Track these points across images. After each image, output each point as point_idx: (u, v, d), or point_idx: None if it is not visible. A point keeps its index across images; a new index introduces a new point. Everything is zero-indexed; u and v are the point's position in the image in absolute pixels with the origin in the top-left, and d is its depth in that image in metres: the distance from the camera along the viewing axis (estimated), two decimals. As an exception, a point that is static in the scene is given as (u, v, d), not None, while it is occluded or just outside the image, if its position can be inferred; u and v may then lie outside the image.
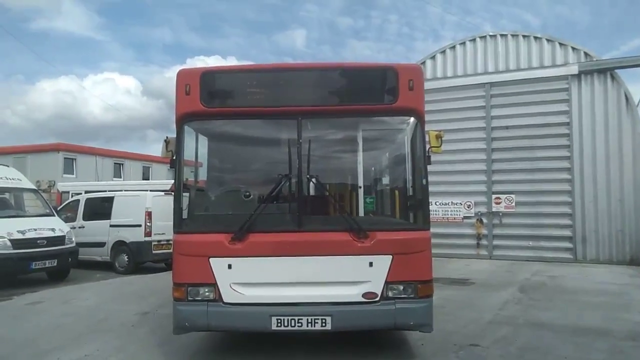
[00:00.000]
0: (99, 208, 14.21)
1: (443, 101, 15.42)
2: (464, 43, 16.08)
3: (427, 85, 8.15)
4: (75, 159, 33.07)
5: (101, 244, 13.71)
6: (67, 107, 74.03)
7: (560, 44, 14.71)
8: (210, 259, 4.94)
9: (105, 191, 16.21)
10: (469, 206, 15.44)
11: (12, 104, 72.33)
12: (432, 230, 5.25)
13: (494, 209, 15.12)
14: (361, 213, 5.68)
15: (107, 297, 9.21)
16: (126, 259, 13.48)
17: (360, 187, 5.68)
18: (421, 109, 5.27)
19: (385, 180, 6.52)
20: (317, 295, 4.92)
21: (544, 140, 14.52)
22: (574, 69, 14.32)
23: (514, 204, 14.86)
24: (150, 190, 14.94)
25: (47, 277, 11.89)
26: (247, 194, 5.49)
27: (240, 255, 4.94)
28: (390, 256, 4.94)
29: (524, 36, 15.25)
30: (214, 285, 4.94)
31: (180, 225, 5.17)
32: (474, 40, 15.95)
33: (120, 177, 34.40)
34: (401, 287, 4.97)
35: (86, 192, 17.28)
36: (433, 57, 16.44)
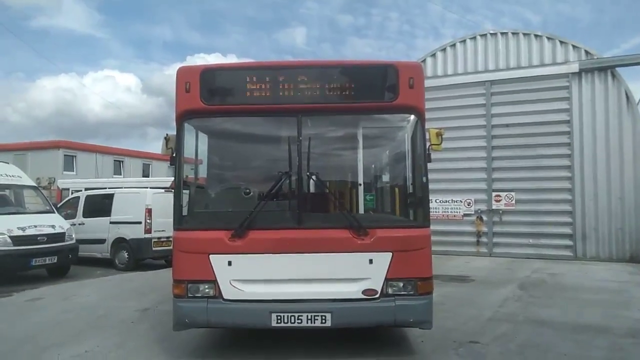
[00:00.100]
0: (99, 205, 14.20)
1: (443, 99, 15.39)
2: (464, 41, 16.06)
3: (428, 83, 8.15)
4: (75, 156, 33.05)
5: (101, 241, 13.71)
6: (68, 105, 74.06)
7: (561, 42, 14.70)
8: (210, 256, 4.95)
9: (105, 188, 16.22)
10: (469, 204, 15.45)
11: (12, 101, 72.39)
12: (432, 227, 5.26)
13: (494, 207, 15.12)
14: (361, 210, 5.69)
15: (107, 294, 9.22)
16: (126, 256, 13.48)
17: (360, 185, 5.67)
18: (421, 107, 5.27)
19: (386, 177, 6.53)
20: (317, 292, 4.93)
21: (544, 138, 14.52)
22: (574, 67, 14.30)
23: (514, 201, 14.86)
24: (150, 188, 14.94)
25: (47, 274, 11.89)
26: (247, 191, 5.51)
27: (240, 252, 4.95)
28: (390, 253, 4.95)
29: (524, 34, 15.24)
30: (214, 282, 4.95)
31: (180, 222, 5.18)
32: (474, 38, 15.93)
33: (121, 175, 34.39)
34: (401, 284, 4.98)
35: (86, 189, 17.29)
36: (433, 55, 16.42)
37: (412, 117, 5.32)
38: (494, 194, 15.15)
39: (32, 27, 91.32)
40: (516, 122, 14.86)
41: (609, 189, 13.93)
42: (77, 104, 74.46)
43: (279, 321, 4.88)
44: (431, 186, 5.47)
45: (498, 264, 13.48)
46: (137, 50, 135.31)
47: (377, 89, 5.26)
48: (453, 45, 16.21)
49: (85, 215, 14.27)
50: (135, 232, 13.31)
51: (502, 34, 15.55)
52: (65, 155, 32.42)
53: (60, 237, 11.48)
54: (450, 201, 15.56)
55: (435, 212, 15.01)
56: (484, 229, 15.28)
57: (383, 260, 4.95)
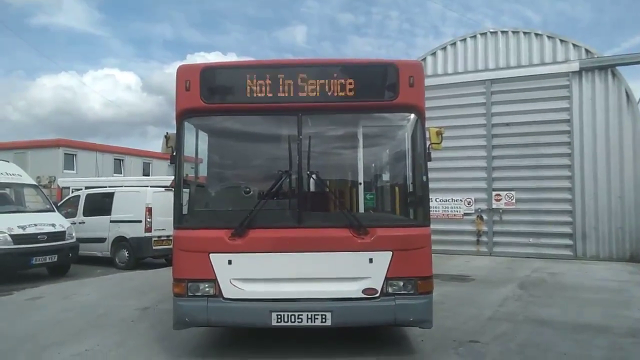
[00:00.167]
0: (100, 204, 14.21)
1: (443, 98, 15.38)
2: (464, 39, 16.05)
3: (428, 81, 8.16)
4: (75, 155, 33.07)
5: (101, 240, 13.72)
6: (68, 103, 74.04)
7: (561, 41, 14.68)
8: (211, 255, 4.95)
9: (105, 187, 16.21)
10: (469, 203, 15.44)
11: (12, 99, 72.33)
12: (432, 226, 5.26)
13: (494, 206, 15.12)
14: (361, 209, 5.68)
15: (108, 293, 9.22)
16: (126, 255, 13.49)
17: (360, 184, 5.66)
18: (422, 106, 5.27)
19: (386, 176, 6.51)
20: (317, 291, 4.93)
21: (544, 137, 14.51)
22: (574, 66, 14.30)
23: (514, 200, 14.86)
24: (151, 186, 14.94)
25: (48, 273, 11.90)
26: (247, 190, 5.50)
27: (240, 251, 4.94)
28: (390, 252, 4.95)
29: (524, 33, 15.23)
30: (214, 280, 4.95)
31: (180, 221, 5.18)
32: (474, 36, 15.92)
33: (121, 173, 34.40)
34: (401, 283, 4.98)
35: (86, 187, 17.29)
36: (434, 54, 16.41)
37: (412, 115, 5.32)
38: (494, 193, 15.15)
39: (32, 25, 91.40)
40: (516, 121, 14.85)
41: (609, 188, 13.93)
42: (77, 102, 74.51)
43: (279, 320, 4.88)
44: (431, 185, 5.47)
45: (498, 263, 13.48)
46: (137, 48, 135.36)
47: (377, 88, 5.26)
48: (453, 44, 16.19)
49: (85, 214, 14.28)
50: (135, 231, 13.31)
51: (502, 32, 15.53)
52: (65, 153, 32.45)
53: (60, 235, 11.49)
54: (450, 200, 15.55)
55: (436, 211, 15.01)
56: (484, 228, 15.28)
57: (383, 259, 4.94)
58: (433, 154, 5.45)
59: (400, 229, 5.17)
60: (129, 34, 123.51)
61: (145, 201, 13.37)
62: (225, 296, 4.95)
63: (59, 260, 11.47)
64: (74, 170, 32.00)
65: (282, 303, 4.91)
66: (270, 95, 5.18)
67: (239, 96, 5.26)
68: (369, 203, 5.84)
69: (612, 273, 11.54)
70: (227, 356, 5.46)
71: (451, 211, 15.57)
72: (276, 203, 5.28)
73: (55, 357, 5.44)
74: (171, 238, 5.38)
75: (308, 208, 5.17)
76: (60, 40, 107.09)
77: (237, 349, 5.68)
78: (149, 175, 33.06)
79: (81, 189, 16.54)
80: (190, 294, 4.99)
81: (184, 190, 5.37)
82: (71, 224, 12.48)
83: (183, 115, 5.27)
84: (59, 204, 14.75)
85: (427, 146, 5.33)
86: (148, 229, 13.26)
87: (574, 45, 14.54)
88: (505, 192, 14.99)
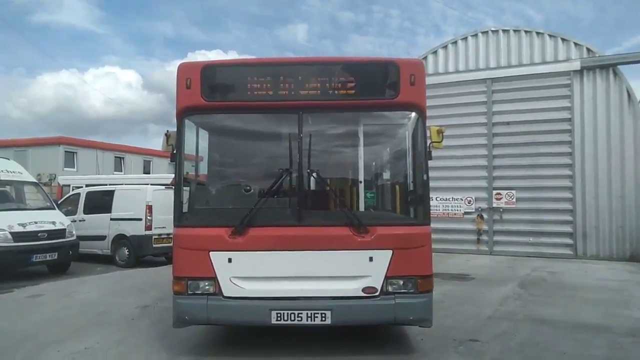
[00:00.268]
0: (100, 201, 14.21)
1: (444, 96, 15.35)
2: (465, 38, 16.02)
3: (429, 80, 8.14)
4: (76, 153, 33.08)
5: (102, 238, 13.72)
6: (68, 101, 74.02)
7: (563, 40, 14.66)
8: (211, 253, 4.95)
9: (106, 185, 16.21)
10: (469, 202, 15.43)
11: (13, 97, 72.36)
12: (432, 225, 5.25)
13: (494, 205, 15.11)
14: (361, 208, 5.67)
15: (108, 291, 9.22)
16: (127, 253, 13.49)
17: (360, 182, 5.66)
18: (422, 104, 5.26)
19: (386, 175, 6.52)
20: (317, 290, 4.93)
21: (545, 136, 14.49)
22: (576, 65, 14.27)
23: (514, 199, 14.85)
24: (151, 184, 14.94)
25: (48, 270, 11.91)
26: (248, 188, 5.50)
27: (240, 249, 4.94)
28: (391, 251, 4.94)
29: (526, 31, 15.20)
30: (214, 279, 4.95)
31: (180, 219, 5.18)
32: (475, 35, 15.89)
33: (121, 171, 34.40)
34: (401, 282, 4.98)
35: (87, 185, 17.28)
36: (435, 52, 16.38)
37: (413, 114, 5.31)
38: (494, 192, 15.14)
39: (33, 23, 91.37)
40: (517, 119, 14.83)
41: (609, 188, 13.92)
42: (77, 100, 74.46)
43: (278, 319, 4.87)
44: (432, 184, 5.45)
45: (498, 262, 13.47)
46: (138, 46, 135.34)
47: (378, 86, 5.25)
48: (454, 43, 16.17)
49: (85, 211, 14.28)
50: (135, 229, 13.31)
51: (503, 31, 15.51)
52: (66, 151, 32.46)
53: (60, 233, 11.49)
54: (450, 199, 15.54)
55: (436, 210, 15.00)
56: (485, 227, 15.27)
57: (383, 258, 4.94)
58: (434, 153, 5.44)
59: (401, 228, 5.17)
60: (129, 32, 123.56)
61: (145, 199, 13.37)
62: (225, 294, 4.94)
63: (59, 258, 11.48)
64: (74, 168, 32.00)
65: (281, 301, 4.91)
66: (270, 93, 5.18)
67: (240, 94, 5.26)
68: (370, 201, 5.83)
69: (612, 272, 11.53)
70: (227, 354, 5.46)
71: (451, 210, 15.57)
72: (276, 201, 5.27)
73: (55, 355, 5.44)
74: (171, 236, 5.37)
75: (308, 206, 5.17)
76: (61, 38, 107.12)
77: (237, 347, 5.68)
78: (149, 173, 33.07)
79: (81, 187, 16.51)
80: (190, 292, 4.99)
81: (184, 188, 5.37)
82: (71, 221, 12.50)
83: (183, 113, 5.26)
84: (59, 202, 14.74)
85: (428, 145, 5.33)
86: (148, 227, 13.26)
87: (575, 44, 14.52)
88: (506, 191, 14.98)
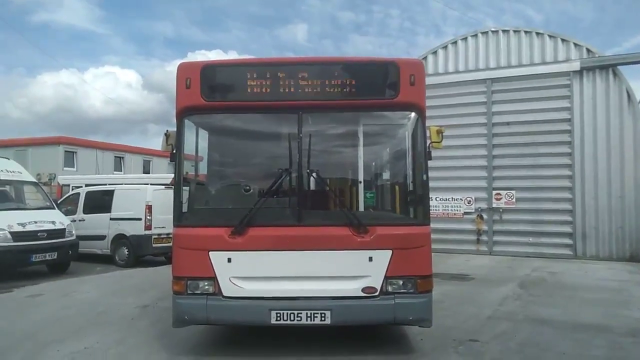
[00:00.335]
0: (100, 201, 14.21)
1: (444, 96, 15.36)
2: (465, 38, 16.03)
3: (429, 80, 8.15)
4: (76, 152, 33.05)
5: (101, 237, 13.72)
6: (68, 100, 74.01)
7: (562, 40, 14.67)
8: (210, 253, 4.95)
9: (105, 184, 16.21)
10: (469, 202, 15.43)
11: (13, 96, 72.34)
12: (432, 225, 5.26)
13: (494, 205, 15.11)
14: (361, 208, 5.67)
15: (107, 290, 9.21)
16: (126, 252, 13.50)
17: (360, 182, 5.66)
18: (422, 104, 5.26)
19: (386, 175, 6.52)
20: (316, 290, 4.93)
21: (545, 137, 14.49)
22: (576, 65, 14.28)
23: (514, 199, 14.85)
24: (151, 184, 14.94)
25: (48, 270, 11.91)
26: (247, 188, 5.50)
27: (240, 249, 4.94)
28: (390, 251, 4.94)
29: (525, 32, 15.20)
30: (213, 279, 4.95)
31: (180, 218, 5.18)
32: (475, 35, 15.90)
33: (121, 171, 34.39)
34: (401, 282, 4.97)
35: (87, 185, 17.27)
36: (435, 52, 16.38)
37: (413, 114, 5.31)
38: (494, 192, 15.14)
39: (33, 23, 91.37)
40: (517, 120, 14.84)
41: (609, 188, 13.92)
42: (77, 100, 74.45)
43: (278, 319, 4.87)
44: (431, 184, 5.46)
45: (498, 262, 13.47)
46: (138, 46, 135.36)
47: (378, 86, 5.25)
48: (454, 43, 16.17)
49: (85, 211, 14.28)
50: (135, 229, 13.31)
51: (503, 31, 15.51)
52: (65, 151, 32.42)
53: (60, 233, 11.49)
54: (450, 199, 15.54)
55: (436, 210, 15.00)
56: (484, 227, 15.27)
57: (383, 258, 4.94)
58: (433, 153, 5.44)
59: (400, 228, 5.17)
60: (130, 32, 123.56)
61: (145, 199, 13.38)
62: (224, 294, 4.94)
63: (59, 258, 11.48)
64: (74, 167, 31.97)
65: (281, 301, 4.91)
66: (270, 93, 5.18)
67: (240, 94, 5.26)
68: (369, 201, 5.83)
69: (612, 273, 11.53)
70: (227, 354, 5.46)
71: (451, 210, 15.57)
72: (276, 201, 5.27)
73: (54, 354, 5.43)
74: (171, 236, 5.37)
75: (308, 206, 5.17)
76: (61, 38, 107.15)
77: (236, 347, 5.68)
78: (149, 173, 33.07)
79: (81, 187, 16.52)
80: (189, 291, 4.99)
81: (184, 188, 5.37)
82: (71, 221, 12.49)
83: (183, 113, 5.26)
84: (59, 202, 14.73)
85: (428, 145, 5.32)
86: (148, 227, 13.26)
87: (575, 44, 14.52)
88: (506, 192, 14.98)
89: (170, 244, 5.52)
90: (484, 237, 15.28)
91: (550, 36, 14.82)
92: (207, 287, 4.97)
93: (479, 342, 5.81)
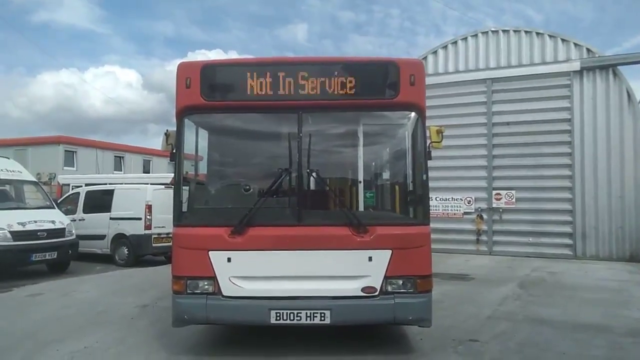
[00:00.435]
0: (99, 201, 14.21)
1: (444, 96, 15.36)
2: (465, 38, 16.03)
3: (429, 80, 8.15)
4: (75, 152, 33.07)
5: (101, 237, 13.72)
6: (69, 100, 74.06)
7: (563, 40, 14.67)
8: (210, 252, 4.95)
9: (105, 184, 16.21)
10: (469, 202, 15.43)
11: (13, 96, 72.34)
12: (432, 225, 5.26)
13: (494, 205, 15.11)
14: (361, 207, 5.67)
15: (107, 290, 9.22)
16: (126, 252, 13.50)
17: (360, 182, 5.65)
18: (422, 104, 5.25)
19: (386, 175, 6.52)
20: (316, 289, 4.93)
21: (545, 137, 14.50)
22: (576, 65, 14.28)
23: (514, 199, 14.85)
24: (151, 184, 14.93)
25: (47, 269, 11.91)
26: (247, 187, 5.49)
27: (239, 249, 4.94)
28: (390, 251, 4.94)
29: (526, 32, 15.21)
30: (213, 278, 4.95)
31: (180, 218, 5.17)
32: (475, 35, 15.90)
33: (121, 170, 34.40)
34: (400, 282, 4.97)
35: (86, 184, 17.27)
36: (435, 52, 16.38)
37: (413, 114, 5.30)
38: (494, 192, 15.14)
39: (33, 22, 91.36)
40: (517, 120, 14.84)
41: (609, 188, 13.92)
42: (77, 99, 74.50)
43: (277, 318, 4.87)
44: (431, 184, 5.46)
45: (498, 262, 13.47)
46: (138, 45, 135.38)
47: (378, 86, 5.24)
48: (454, 43, 16.17)
49: (85, 211, 14.28)
50: (135, 228, 13.32)
51: (503, 31, 15.51)
52: (65, 150, 32.45)
53: (60, 232, 11.50)
54: (450, 199, 15.54)
55: (436, 210, 15.00)
56: (484, 227, 15.27)
57: (382, 257, 4.94)
58: (433, 153, 5.43)
59: (400, 228, 5.16)
60: (130, 31, 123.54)
61: (145, 198, 13.38)
62: (224, 294, 4.94)
63: (59, 257, 11.48)
64: (74, 167, 32.00)
65: (281, 301, 4.91)
66: (270, 93, 5.18)
67: (240, 94, 5.25)
68: (369, 201, 5.83)
69: (611, 273, 11.53)
70: (226, 354, 5.46)
71: (451, 210, 15.57)
72: (276, 201, 5.26)
73: (54, 354, 5.43)
74: (171, 235, 5.37)
75: (308, 206, 5.16)
76: (61, 37, 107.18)
77: (236, 346, 5.68)
78: (149, 173, 33.08)
79: (81, 186, 16.52)
80: (189, 291, 4.99)
81: (184, 187, 5.36)
82: (71, 221, 12.49)
83: (183, 113, 5.25)
84: (58, 201, 14.74)
85: (428, 145, 5.32)
86: (148, 227, 13.27)
87: (575, 44, 14.52)
88: (506, 191, 14.98)
89: (170, 244, 5.52)
90: (484, 237, 15.28)
91: (550, 36, 14.82)
92: (206, 286, 4.97)
93: (478, 342, 5.81)
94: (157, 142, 5.71)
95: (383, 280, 4.94)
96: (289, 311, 4.87)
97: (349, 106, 5.29)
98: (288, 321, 4.88)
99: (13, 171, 12.41)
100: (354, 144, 5.64)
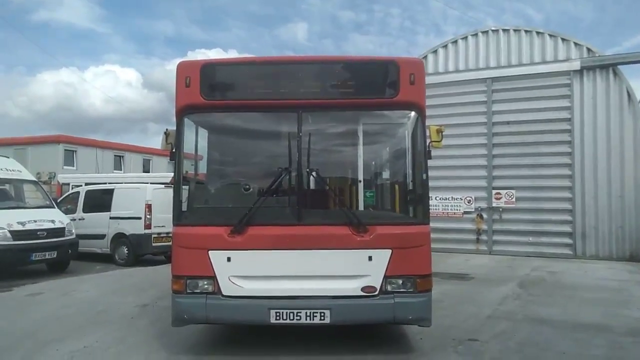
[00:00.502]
0: (99, 200, 14.20)
1: (444, 96, 15.36)
2: (466, 37, 16.02)
3: (429, 79, 8.14)
4: (75, 151, 33.05)
5: (101, 236, 13.72)
6: (68, 99, 74.06)
7: (563, 40, 14.66)
8: (210, 252, 4.94)
9: (105, 183, 16.21)
10: (469, 201, 15.43)
11: (13, 95, 72.32)
12: (432, 225, 5.25)
13: (494, 204, 15.11)
14: (361, 207, 5.67)
15: (107, 289, 9.21)
16: (126, 251, 13.49)
17: (360, 181, 5.65)
18: (422, 103, 5.25)
19: (386, 174, 6.51)
20: (316, 289, 4.92)
21: (545, 136, 14.50)
22: (576, 65, 14.27)
23: (514, 199, 14.85)
24: (151, 183, 14.92)
25: (47, 269, 11.90)
26: (247, 187, 5.49)
27: (239, 248, 4.93)
28: (390, 250, 4.94)
29: (526, 31, 15.19)
30: (213, 278, 4.94)
31: (179, 217, 5.17)
32: (476, 34, 15.89)
33: (121, 170, 34.39)
34: (400, 282, 4.97)
35: (86, 184, 17.27)
36: (435, 52, 16.37)
37: (413, 113, 5.29)
38: (494, 191, 15.13)
39: (33, 21, 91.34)
40: (517, 119, 14.83)
41: (609, 188, 13.92)
42: (77, 98, 74.51)
43: (277, 318, 4.87)
44: (431, 183, 5.45)
45: (498, 261, 13.47)
46: (138, 45, 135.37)
47: (377, 85, 5.23)
48: (455, 42, 16.16)
49: (85, 210, 14.26)
50: (135, 228, 13.31)
51: (503, 30, 15.50)
52: (65, 150, 32.43)
53: (60, 232, 11.49)
54: (450, 199, 15.54)
55: (435, 209, 14.99)
56: (484, 226, 15.27)
57: (382, 257, 4.93)
58: (433, 152, 5.42)
59: (400, 227, 5.16)
60: (130, 31, 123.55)
61: (145, 198, 13.38)
62: (224, 293, 4.93)
63: (59, 257, 11.48)
64: (74, 166, 31.98)
65: (280, 300, 4.90)
66: (270, 92, 5.18)
67: (239, 93, 5.25)
68: (369, 201, 5.82)
69: (611, 272, 11.53)
70: (226, 353, 5.45)
71: (451, 209, 15.56)
72: (276, 200, 5.26)
73: (54, 353, 5.43)
74: (171, 235, 5.37)
75: (307, 205, 5.16)
76: (61, 37, 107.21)
77: (236, 346, 5.67)
78: (149, 172, 33.08)
79: (81, 186, 16.52)
80: (189, 291, 4.98)
81: (184, 187, 5.35)
82: (71, 220, 12.47)
83: (183, 112, 5.25)
84: (58, 200, 14.73)
85: (428, 144, 5.31)
86: (148, 226, 13.26)
87: (576, 43, 14.51)
88: (506, 191, 14.97)
89: (170, 243, 5.52)
90: (484, 237, 15.28)
91: (550, 35, 14.81)
92: (206, 286, 4.96)
93: (478, 342, 5.80)
94: (157, 142, 5.71)
95: (383, 280, 4.93)
96: (288, 311, 4.86)
97: (349, 105, 5.29)
98: (288, 321, 4.87)
99: (13, 170, 12.41)
100: (354, 143, 5.64)
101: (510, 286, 9.61)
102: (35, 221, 11.07)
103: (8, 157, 13.13)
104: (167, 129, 5.46)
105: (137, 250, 13.45)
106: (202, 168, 6.04)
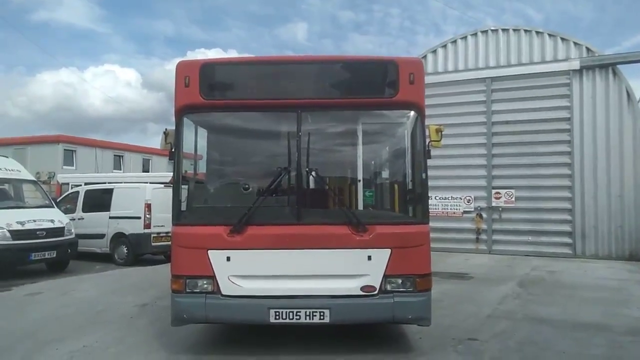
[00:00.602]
0: (99, 200, 14.19)
1: (444, 95, 15.34)
2: (465, 37, 16.00)
3: (428, 79, 8.13)
4: (75, 151, 33.06)
5: (100, 236, 13.71)
6: (68, 99, 74.01)
7: (562, 39, 14.65)
8: (209, 251, 4.94)
9: (105, 183, 16.20)
10: (468, 201, 15.43)
11: (13, 95, 72.27)
12: (431, 224, 5.24)
13: (493, 204, 15.11)
14: (360, 206, 5.67)
15: (106, 289, 9.21)
16: (125, 251, 13.49)
17: (359, 181, 5.66)
18: (422, 103, 5.25)
19: (385, 174, 6.50)
20: (315, 288, 4.92)
21: (544, 136, 14.48)
22: (575, 64, 14.26)
23: (513, 198, 14.85)
24: (150, 183, 14.91)
25: (47, 269, 11.90)
26: (246, 186, 5.49)
27: (238, 248, 4.93)
28: (389, 250, 4.94)
29: (525, 31, 15.18)
30: (212, 277, 4.94)
31: (179, 217, 5.17)
32: (475, 34, 15.88)
33: (120, 169, 34.38)
34: (400, 281, 4.97)
35: (86, 183, 17.27)
36: (434, 51, 16.36)
37: (412, 113, 5.29)
38: (493, 191, 15.13)
39: (32, 21, 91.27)
40: (516, 119, 14.82)
41: (608, 187, 13.91)
42: (77, 98, 74.46)
43: (277, 317, 4.87)
44: (431, 183, 5.45)
45: (497, 261, 13.47)
46: (137, 45, 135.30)
47: (377, 85, 5.24)
48: (454, 42, 16.15)
49: (84, 210, 14.26)
50: (134, 227, 13.31)
51: (503, 30, 15.50)
52: (65, 149, 32.44)
53: (59, 231, 11.48)
54: (449, 198, 15.53)
55: (435, 209, 14.97)
56: (484, 226, 15.27)
57: (382, 256, 4.93)
58: (433, 152, 5.42)
59: (399, 227, 5.16)
60: (129, 31, 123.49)
61: (144, 197, 13.37)
62: (223, 293, 4.93)
63: (58, 256, 11.47)
64: (73, 166, 31.99)
65: (280, 300, 4.90)
66: (269, 91, 5.18)
67: (239, 92, 5.25)
68: (368, 200, 5.83)
69: (611, 272, 11.53)
70: (226, 353, 5.45)
71: (450, 209, 15.56)
72: (275, 200, 5.26)
73: (54, 353, 5.43)
74: (170, 234, 5.37)
75: (307, 205, 5.16)
76: (61, 36, 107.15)
77: (236, 345, 5.67)
78: (148, 172, 33.08)
79: (80, 185, 16.51)
80: (188, 290, 4.98)
81: (183, 186, 5.35)
82: (70, 220, 12.47)
83: (182, 112, 5.24)
84: (58, 200, 14.73)
85: (427, 144, 5.31)
86: (147, 226, 13.26)
87: (575, 43, 14.50)
88: (505, 190, 14.97)
89: (169, 243, 5.52)
90: (483, 236, 15.28)
91: (550, 35, 14.81)
92: (205, 285, 4.96)
93: (478, 341, 5.80)
94: (156, 141, 5.71)
95: (382, 279, 4.94)
96: (288, 310, 4.87)
97: (348, 105, 5.29)
98: (287, 320, 4.87)
99: (12, 170, 12.41)
100: (354, 143, 5.64)
101: (509, 285, 9.61)
102: (34, 221, 11.07)
103: (7, 157, 13.14)
104: (166, 129, 5.46)
105: (136, 250, 13.44)
106: (202, 168, 6.04)
